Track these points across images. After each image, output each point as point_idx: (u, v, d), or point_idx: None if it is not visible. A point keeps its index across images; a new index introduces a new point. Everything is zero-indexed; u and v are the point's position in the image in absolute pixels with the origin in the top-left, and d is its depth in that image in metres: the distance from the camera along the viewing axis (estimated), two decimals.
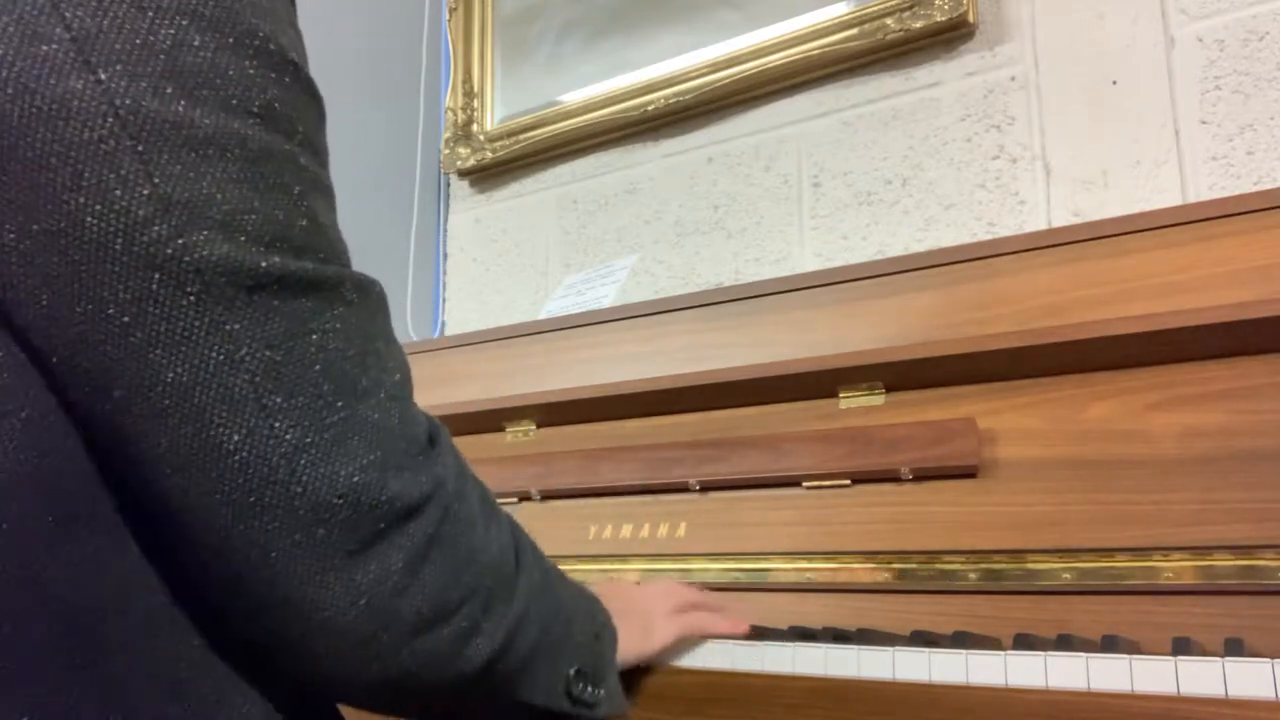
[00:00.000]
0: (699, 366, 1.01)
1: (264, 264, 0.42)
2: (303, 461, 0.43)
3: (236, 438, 0.42)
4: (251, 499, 0.43)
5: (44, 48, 0.38)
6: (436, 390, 1.21)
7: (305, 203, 0.44)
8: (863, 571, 0.84)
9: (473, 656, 0.51)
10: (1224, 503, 0.72)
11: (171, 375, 0.41)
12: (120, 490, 0.44)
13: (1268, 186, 1.07)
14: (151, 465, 0.43)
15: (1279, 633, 0.66)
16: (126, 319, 0.40)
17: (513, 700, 0.56)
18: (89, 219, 0.39)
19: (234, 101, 0.42)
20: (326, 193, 0.47)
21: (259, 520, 0.43)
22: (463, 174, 1.79)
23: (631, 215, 1.59)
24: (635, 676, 0.72)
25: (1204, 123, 1.13)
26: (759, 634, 0.78)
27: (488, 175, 1.78)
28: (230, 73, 0.42)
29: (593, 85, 1.65)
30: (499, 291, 1.73)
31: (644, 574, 0.94)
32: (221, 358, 0.41)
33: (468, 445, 0.90)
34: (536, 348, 1.17)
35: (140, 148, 0.39)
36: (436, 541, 0.49)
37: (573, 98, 1.67)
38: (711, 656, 0.72)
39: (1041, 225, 1.21)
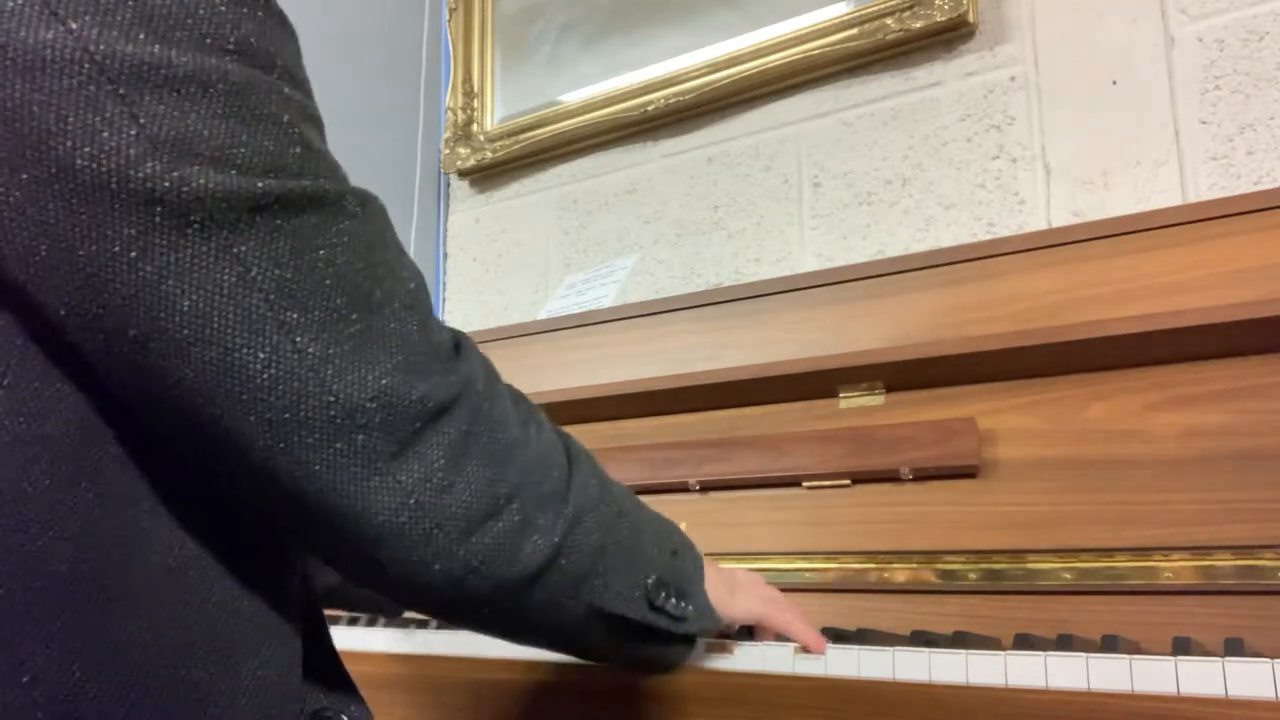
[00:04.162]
0: (699, 366, 1.01)
1: (261, 185, 0.43)
2: (329, 372, 0.44)
3: (262, 355, 0.43)
4: (287, 415, 0.44)
5: (9, 3, 0.39)
6: None
7: (295, 130, 0.45)
8: (862, 571, 0.84)
9: (532, 553, 0.52)
10: (1224, 503, 0.72)
11: (188, 304, 0.41)
12: (131, 445, 0.45)
13: (1268, 186, 1.07)
14: (183, 400, 0.43)
15: (1279, 633, 0.66)
16: (134, 254, 0.40)
17: (589, 608, 0.56)
18: (79, 162, 0.39)
19: (208, 40, 0.42)
20: (315, 121, 0.48)
21: (298, 435, 0.44)
22: (463, 174, 1.79)
23: (631, 215, 1.59)
24: (635, 675, 0.72)
25: (1204, 123, 1.13)
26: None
27: (488, 175, 1.78)
28: (200, 11, 0.42)
29: (593, 85, 1.64)
30: (499, 291, 1.73)
31: None
32: (234, 279, 0.42)
33: None
34: (536, 348, 1.17)
35: (121, 91, 0.40)
36: (473, 437, 0.50)
37: (573, 98, 1.67)
38: (711, 656, 0.72)
39: (1041, 225, 1.21)
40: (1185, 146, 1.14)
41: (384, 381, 0.46)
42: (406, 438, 0.47)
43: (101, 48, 0.39)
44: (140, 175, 0.40)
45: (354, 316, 0.45)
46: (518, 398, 0.56)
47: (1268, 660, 0.55)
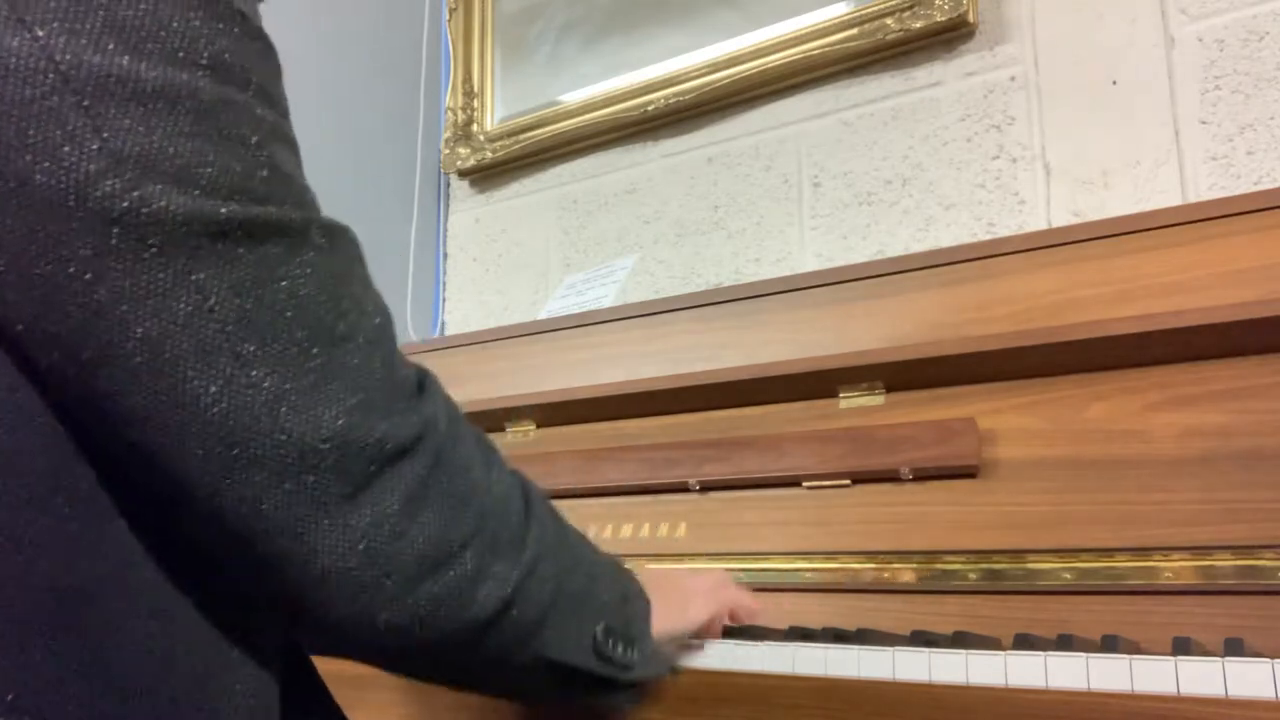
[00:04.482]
0: (699, 366, 1.01)
1: (224, 210, 0.41)
2: (283, 409, 0.42)
3: (214, 389, 0.41)
4: (236, 451, 0.42)
5: None
6: None
7: (264, 152, 0.43)
8: (862, 571, 0.84)
9: (484, 602, 0.50)
10: (1224, 503, 0.72)
11: (141, 330, 0.40)
12: (102, 462, 0.43)
13: (1268, 186, 1.07)
14: (131, 428, 0.42)
15: (1279, 633, 0.66)
16: (89, 276, 0.39)
17: (537, 658, 0.54)
18: (38, 176, 0.38)
19: (180, 54, 0.41)
20: (288, 141, 0.46)
21: (247, 473, 0.42)
22: (463, 174, 1.79)
23: (631, 215, 1.59)
24: None
25: (1204, 123, 1.13)
26: (759, 634, 0.78)
27: (488, 175, 1.78)
28: (174, 25, 0.40)
29: (593, 85, 1.64)
30: (499, 291, 1.73)
31: None
32: (190, 309, 0.40)
33: None
34: (536, 348, 1.17)
35: (86, 103, 0.38)
36: (432, 482, 0.48)
37: (573, 98, 1.67)
38: (712, 657, 0.72)
39: (1041, 225, 1.21)
40: (1185, 146, 1.14)
41: (340, 421, 0.44)
42: (361, 480, 0.45)
43: (68, 57, 0.38)
44: (99, 193, 0.38)
45: (314, 350, 0.44)
46: (479, 438, 0.54)
47: (1268, 660, 0.55)
